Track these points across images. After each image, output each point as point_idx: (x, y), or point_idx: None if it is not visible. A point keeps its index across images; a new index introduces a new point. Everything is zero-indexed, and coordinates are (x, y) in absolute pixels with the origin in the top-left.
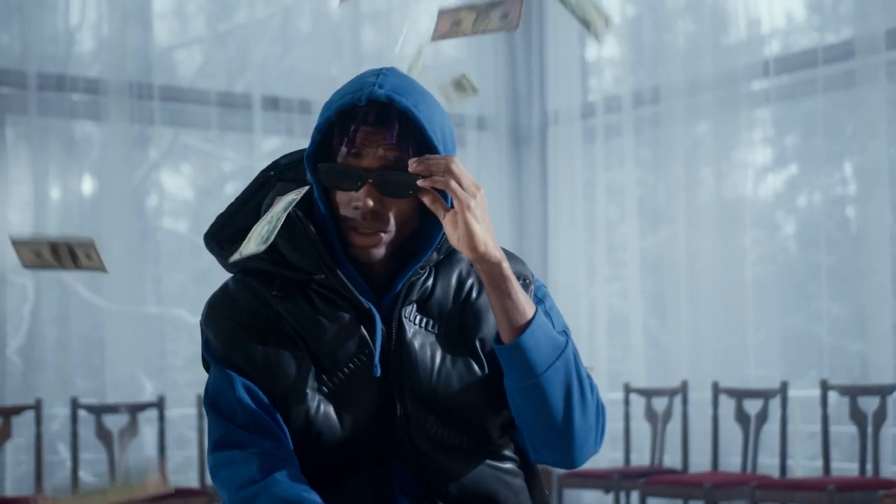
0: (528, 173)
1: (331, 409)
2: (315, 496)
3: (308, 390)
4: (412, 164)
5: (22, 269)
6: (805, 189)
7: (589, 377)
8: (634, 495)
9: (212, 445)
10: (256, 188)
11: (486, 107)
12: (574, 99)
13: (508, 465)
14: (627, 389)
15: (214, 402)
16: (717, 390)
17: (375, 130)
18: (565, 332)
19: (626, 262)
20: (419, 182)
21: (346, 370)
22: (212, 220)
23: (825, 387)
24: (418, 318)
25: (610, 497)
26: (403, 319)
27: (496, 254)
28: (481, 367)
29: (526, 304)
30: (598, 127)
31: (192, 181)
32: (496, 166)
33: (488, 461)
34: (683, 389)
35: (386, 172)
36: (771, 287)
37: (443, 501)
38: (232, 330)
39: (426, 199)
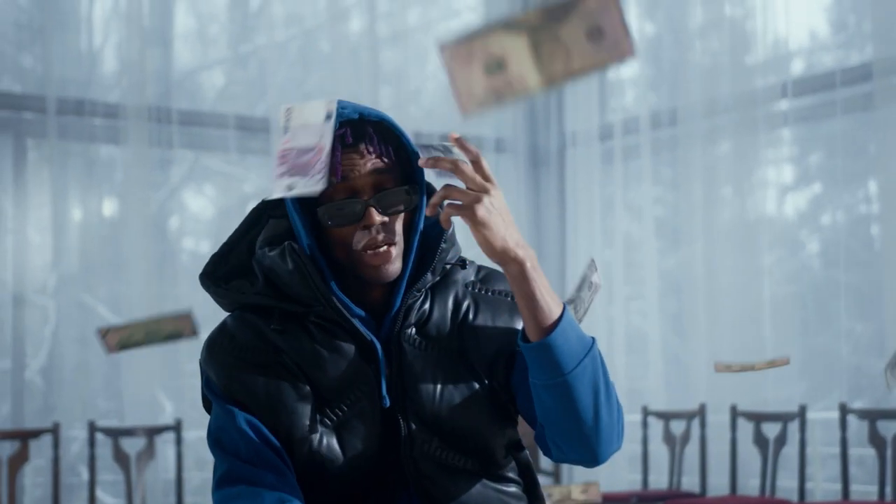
0: (546, 195)
1: (334, 441)
2: None
3: (311, 423)
4: (422, 162)
5: (44, 290)
6: (829, 207)
7: None
8: None
9: (216, 482)
10: (249, 226)
11: (503, 129)
12: (592, 120)
13: (513, 489)
14: (645, 412)
15: (218, 439)
16: (735, 413)
17: (356, 148)
18: None
19: (646, 282)
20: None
21: (349, 401)
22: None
23: (844, 410)
24: (417, 340)
25: None
26: (403, 343)
27: (518, 253)
28: (483, 388)
29: (553, 303)
30: (616, 149)
31: (214, 201)
32: (514, 188)
33: (492, 484)
34: (701, 412)
35: (382, 195)
36: (792, 307)
37: None
38: (232, 365)
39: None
